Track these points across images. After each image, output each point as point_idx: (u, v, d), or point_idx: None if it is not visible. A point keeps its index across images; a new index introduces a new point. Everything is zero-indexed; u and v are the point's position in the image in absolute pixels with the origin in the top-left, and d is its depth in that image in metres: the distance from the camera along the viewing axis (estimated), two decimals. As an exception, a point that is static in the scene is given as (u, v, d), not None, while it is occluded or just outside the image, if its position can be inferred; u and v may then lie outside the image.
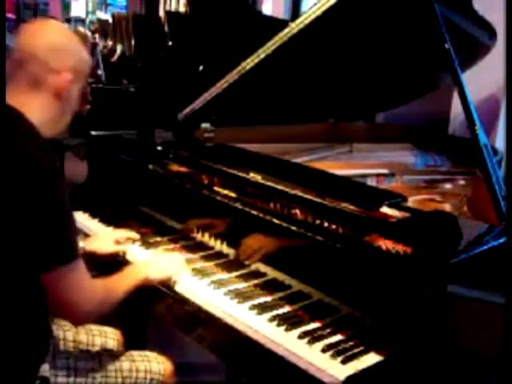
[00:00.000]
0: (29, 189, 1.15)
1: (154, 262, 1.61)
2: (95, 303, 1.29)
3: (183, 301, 1.50)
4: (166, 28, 5.43)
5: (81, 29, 5.57)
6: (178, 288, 1.52)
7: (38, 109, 1.28)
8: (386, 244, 1.31)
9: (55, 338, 1.53)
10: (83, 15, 12.58)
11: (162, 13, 7.91)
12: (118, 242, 1.74)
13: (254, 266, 1.58)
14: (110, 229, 1.90)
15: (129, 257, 1.72)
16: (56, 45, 1.31)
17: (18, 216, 1.15)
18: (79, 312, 1.27)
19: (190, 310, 1.48)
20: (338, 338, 1.29)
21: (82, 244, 1.68)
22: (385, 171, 2.05)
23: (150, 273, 1.50)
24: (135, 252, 1.73)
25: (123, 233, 1.79)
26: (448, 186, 2.05)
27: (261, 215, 1.54)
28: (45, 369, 1.33)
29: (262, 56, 1.85)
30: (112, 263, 1.72)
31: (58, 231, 1.19)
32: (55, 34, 1.33)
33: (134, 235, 1.78)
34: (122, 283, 1.41)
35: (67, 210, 1.22)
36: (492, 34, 2.15)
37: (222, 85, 1.99)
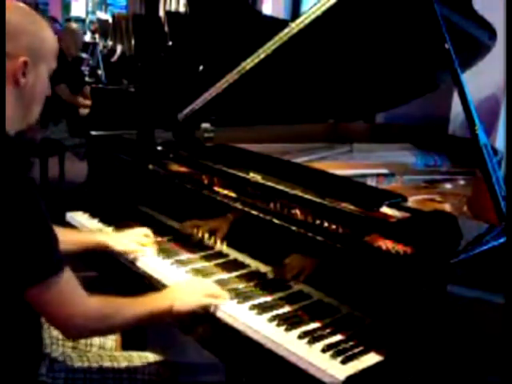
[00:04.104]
0: (5, 204, 1.09)
1: (184, 290, 1.45)
2: (88, 319, 1.21)
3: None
4: (166, 28, 5.44)
5: (73, 24, 5.56)
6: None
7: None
8: (385, 244, 1.31)
9: (54, 338, 1.53)
10: (83, 15, 12.60)
11: (162, 13, 7.92)
12: (143, 245, 1.71)
13: (253, 266, 1.58)
14: (111, 229, 1.90)
15: (127, 256, 1.71)
16: (8, 25, 1.18)
17: None
18: (69, 327, 1.22)
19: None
20: (337, 338, 1.29)
21: (105, 238, 1.69)
22: (385, 171, 2.05)
23: (177, 303, 1.37)
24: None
25: (144, 236, 1.75)
26: (448, 185, 2.05)
27: (261, 215, 1.54)
28: (41, 372, 1.33)
29: (262, 56, 1.85)
30: (109, 262, 1.73)
31: (38, 245, 1.13)
32: (8, 15, 1.19)
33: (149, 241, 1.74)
34: (136, 305, 1.31)
35: (45, 221, 1.15)
36: (492, 33, 2.15)
37: (221, 85, 1.99)
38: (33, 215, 1.13)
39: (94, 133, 2.24)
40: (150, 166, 1.95)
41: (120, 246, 1.68)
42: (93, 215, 2.00)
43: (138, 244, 1.70)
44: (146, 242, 1.72)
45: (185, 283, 1.51)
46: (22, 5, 1.27)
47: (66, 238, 1.42)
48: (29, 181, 1.14)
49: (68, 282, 1.20)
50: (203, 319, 1.43)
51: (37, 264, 1.14)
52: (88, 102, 4.67)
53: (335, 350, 1.23)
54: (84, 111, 4.67)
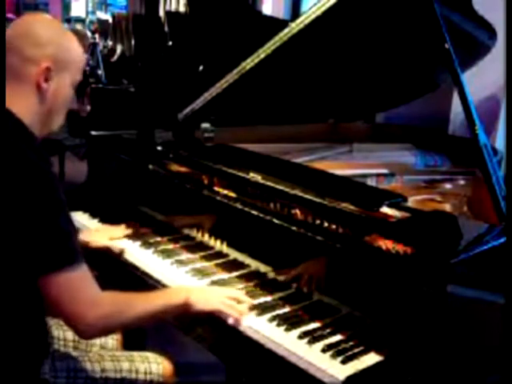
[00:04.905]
0: (23, 192, 1.13)
1: (202, 288, 1.49)
2: (99, 316, 1.20)
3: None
4: (166, 28, 5.43)
5: (78, 26, 5.57)
6: (178, 288, 1.52)
7: (23, 104, 1.24)
8: (386, 244, 1.31)
9: (55, 338, 1.54)
10: (83, 15, 12.59)
11: (162, 13, 7.91)
12: (112, 239, 1.75)
13: (253, 266, 1.58)
14: (107, 225, 1.91)
15: (127, 256, 1.72)
16: (34, 33, 1.25)
17: (14, 219, 1.13)
18: (81, 324, 1.20)
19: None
20: (337, 337, 1.29)
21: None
22: (385, 171, 2.05)
23: (193, 298, 1.34)
24: (133, 251, 1.73)
25: (119, 230, 1.81)
26: (448, 186, 2.05)
27: (261, 215, 1.54)
28: (44, 371, 1.32)
29: (262, 56, 1.85)
30: (110, 262, 1.73)
31: (56, 234, 1.16)
32: (35, 24, 1.28)
33: (128, 232, 1.80)
34: (148, 301, 1.31)
35: (65, 213, 1.19)
36: (492, 33, 2.14)
37: (221, 85, 1.99)
38: (53, 206, 1.16)
39: (94, 133, 2.24)
40: (150, 166, 1.95)
41: (93, 243, 1.71)
42: (93, 215, 2.00)
43: (108, 238, 1.75)
44: (116, 235, 1.77)
45: (206, 287, 1.51)
46: (53, 19, 1.37)
47: None
48: (50, 173, 1.19)
49: (82, 277, 1.20)
50: (203, 319, 1.43)
51: (52, 252, 1.16)
52: (87, 108, 4.65)
53: (335, 350, 1.23)
54: (84, 112, 4.66)
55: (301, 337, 1.28)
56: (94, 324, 1.20)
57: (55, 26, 1.32)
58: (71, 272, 1.16)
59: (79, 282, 1.19)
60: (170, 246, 1.76)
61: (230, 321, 1.35)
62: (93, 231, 1.83)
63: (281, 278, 1.51)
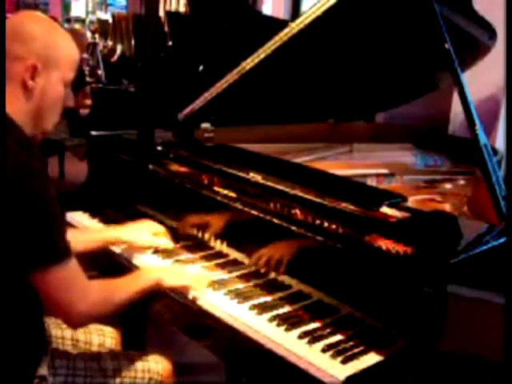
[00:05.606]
0: (14, 190, 1.13)
1: (171, 268, 1.59)
2: (89, 304, 1.25)
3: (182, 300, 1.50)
4: (166, 28, 5.43)
5: (77, 26, 5.57)
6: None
7: (12, 103, 1.22)
8: (386, 244, 1.31)
9: (53, 336, 1.54)
10: (83, 15, 12.59)
11: (162, 13, 7.90)
12: (156, 234, 1.74)
13: (253, 266, 1.58)
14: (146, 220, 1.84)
15: (127, 255, 1.71)
16: (21, 31, 1.23)
17: (4, 217, 1.13)
18: (72, 313, 1.24)
19: (189, 309, 1.48)
20: (337, 337, 1.29)
21: (117, 233, 1.70)
22: (385, 171, 2.05)
23: (164, 276, 1.44)
24: (132, 251, 1.73)
25: (156, 226, 1.77)
26: (448, 185, 2.05)
27: (261, 215, 1.54)
28: (43, 367, 1.33)
29: (262, 56, 1.86)
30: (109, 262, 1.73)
31: (45, 231, 1.17)
32: (23, 21, 1.26)
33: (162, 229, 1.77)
34: (128, 285, 1.37)
35: (54, 209, 1.19)
36: (492, 34, 2.15)
37: (221, 85, 1.99)
38: (44, 203, 1.17)
39: (94, 133, 2.24)
40: (150, 166, 1.95)
41: (136, 240, 1.70)
42: (93, 215, 2.00)
43: (150, 235, 1.72)
44: (158, 231, 1.75)
45: (171, 266, 1.62)
46: (43, 16, 1.34)
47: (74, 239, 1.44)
48: (42, 172, 1.19)
49: (74, 269, 1.23)
50: (203, 319, 1.43)
51: (45, 249, 1.18)
52: (88, 102, 4.64)
53: (335, 350, 1.23)
54: (84, 111, 4.66)
55: (301, 337, 1.28)
56: (85, 311, 1.25)
57: (44, 24, 1.29)
58: (61, 266, 1.19)
59: (71, 276, 1.22)
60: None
61: (191, 295, 1.45)
62: (133, 229, 1.74)
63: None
